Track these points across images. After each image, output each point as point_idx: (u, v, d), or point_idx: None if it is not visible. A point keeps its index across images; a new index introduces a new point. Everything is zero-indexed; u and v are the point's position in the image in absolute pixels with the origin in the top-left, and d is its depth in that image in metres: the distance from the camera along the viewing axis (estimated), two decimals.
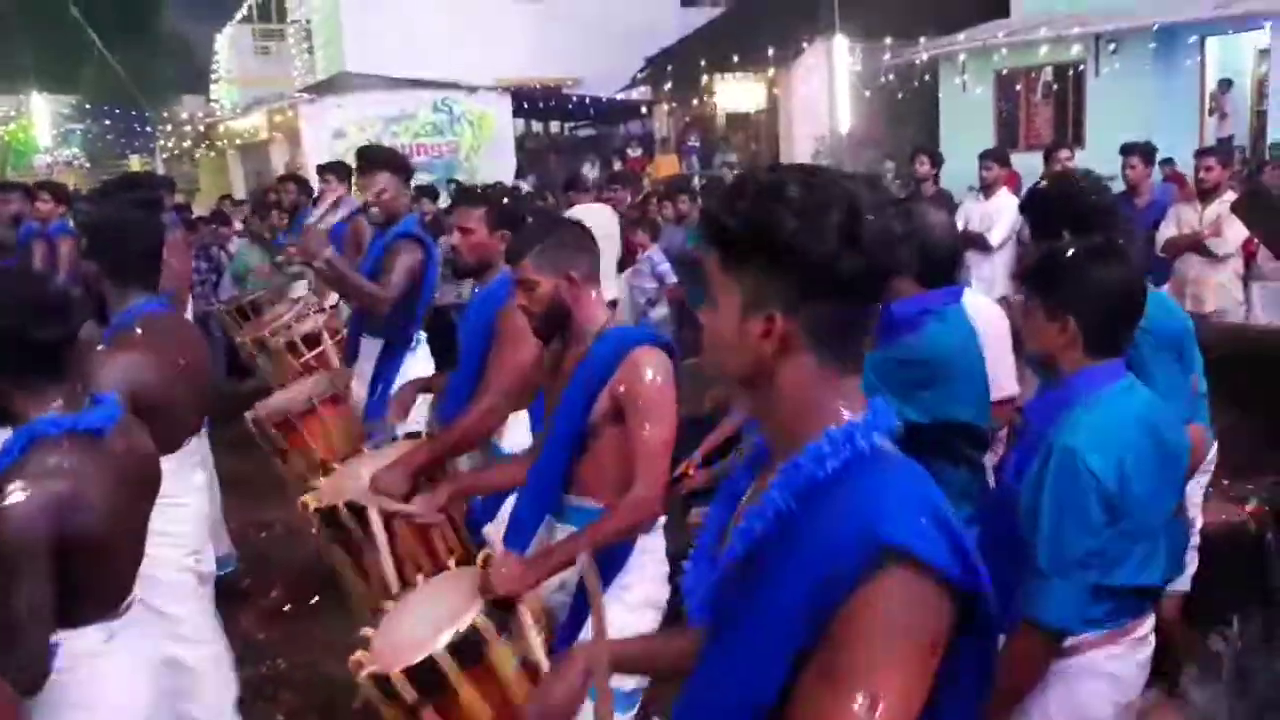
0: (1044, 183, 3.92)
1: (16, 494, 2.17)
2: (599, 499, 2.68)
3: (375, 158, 4.67)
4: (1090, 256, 2.33)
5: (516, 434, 3.45)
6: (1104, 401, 2.28)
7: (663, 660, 1.72)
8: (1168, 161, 10.38)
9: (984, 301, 3.42)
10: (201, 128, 22.88)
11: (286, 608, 4.87)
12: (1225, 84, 14.55)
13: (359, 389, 4.54)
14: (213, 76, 25.31)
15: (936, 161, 8.45)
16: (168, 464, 3.24)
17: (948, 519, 1.31)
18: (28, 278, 2.70)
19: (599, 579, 1.93)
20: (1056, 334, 2.32)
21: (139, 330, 3.24)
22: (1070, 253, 2.36)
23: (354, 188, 5.54)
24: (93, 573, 2.34)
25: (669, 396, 2.60)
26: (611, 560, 2.63)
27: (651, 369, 2.60)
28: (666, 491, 2.69)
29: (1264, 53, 13.89)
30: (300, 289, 7.14)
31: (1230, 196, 6.36)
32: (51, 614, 2.22)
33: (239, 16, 24.92)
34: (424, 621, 2.38)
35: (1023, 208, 3.49)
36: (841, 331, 1.35)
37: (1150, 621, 2.40)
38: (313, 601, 4.79)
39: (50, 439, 2.27)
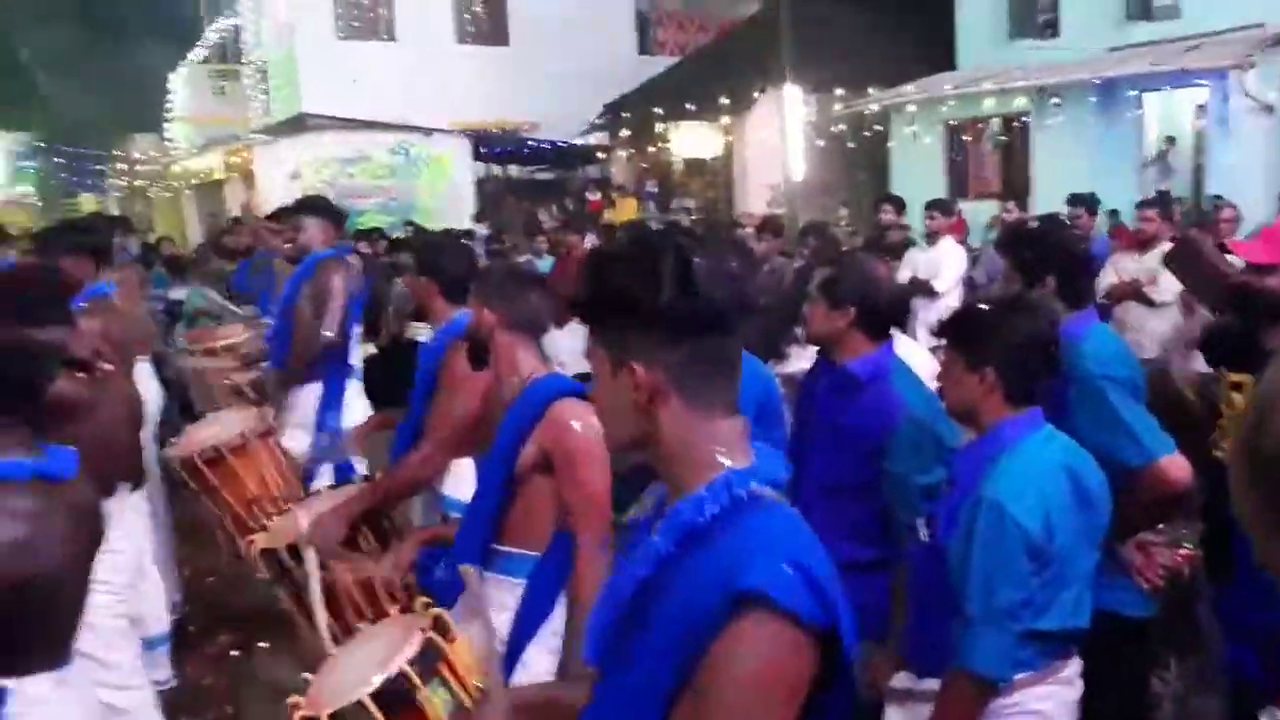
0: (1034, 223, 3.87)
1: None
2: (529, 548, 2.67)
3: (300, 205, 4.86)
4: (1008, 310, 2.44)
5: (460, 481, 3.45)
6: (1025, 452, 2.37)
7: (563, 708, 1.76)
8: (1113, 213, 10.65)
9: (913, 348, 3.45)
10: (156, 167, 22.69)
11: (235, 652, 4.81)
12: (1170, 139, 14.97)
13: (298, 436, 4.45)
14: (167, 115, 25.02)
15: (900, 209, 8.37)
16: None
17: (812, 566, 1.36)
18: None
19: (490, 617, 1.98)
20: (976, 385, 2.40)
21: None
22: (989, 306, 2.47)
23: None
24: (46, 619, 2.34)
25: (597, 445, 2.54)
26: (538, 609, 2.64)
27: (576, 420, 2.57)
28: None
29: (1201, 108, 14.34)
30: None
31: (1167, 247, 6.54)
32: None
33: (194, 56, 24.71)
34: (360, 666, 2.39)
35: (1006, 247, 3.40)
36: (702, 372, 1.43)
37: (1077, 663, 2.47)
38: (262, 645, 4.74)
39: (11, 482, 2.25)
